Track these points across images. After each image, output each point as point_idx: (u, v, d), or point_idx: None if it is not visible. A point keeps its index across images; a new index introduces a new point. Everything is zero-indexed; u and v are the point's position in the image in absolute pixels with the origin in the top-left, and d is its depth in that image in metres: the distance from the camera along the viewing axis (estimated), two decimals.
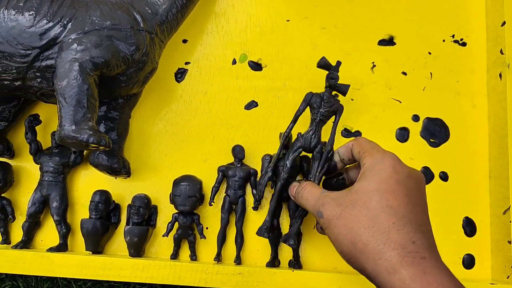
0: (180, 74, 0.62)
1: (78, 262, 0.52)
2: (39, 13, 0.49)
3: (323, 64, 0.53)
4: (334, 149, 0.51)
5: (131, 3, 0.54)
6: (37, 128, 0.58)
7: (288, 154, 0.52)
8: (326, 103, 0.52)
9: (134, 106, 0.59)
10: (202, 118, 0.60)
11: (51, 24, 0.49)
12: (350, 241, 0.40)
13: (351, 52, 0.62)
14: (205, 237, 0.55)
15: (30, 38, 0.49)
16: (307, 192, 0.47)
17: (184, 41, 0.62)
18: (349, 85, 0.53)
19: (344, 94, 0.54)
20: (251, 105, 0.61)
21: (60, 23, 0.50)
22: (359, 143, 0.47)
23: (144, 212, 0.55)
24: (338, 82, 0.53)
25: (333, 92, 0.53)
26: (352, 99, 0.61)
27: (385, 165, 0.42)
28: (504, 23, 0.58)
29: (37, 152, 0.57)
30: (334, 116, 0.53)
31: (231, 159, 0.59)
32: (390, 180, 0.41)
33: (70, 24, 0.50)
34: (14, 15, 0.49)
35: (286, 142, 0.54)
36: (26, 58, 0.49)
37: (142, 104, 0.60)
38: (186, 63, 0.62)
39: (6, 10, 0.49)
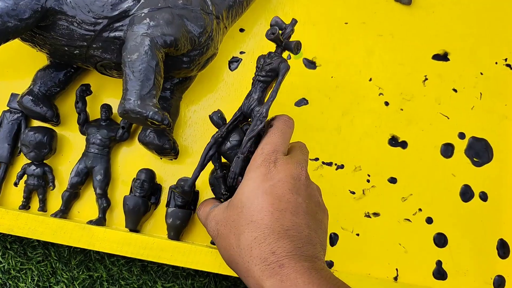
0: (234, 63, 0.61)
1: (119, 239, 0.51)
2: None
3: (273, 23, 0.47)
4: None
5: None
6: (87, 98, 0.57)
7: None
8: (267, 59, 0.47)
9: (187, 89, 0.59)
10: None
11: None
12: (228, 261, 0.42)
13: (405, 62, 0.62)
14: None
15: (103, 7, 0.48)
16: (200, 213, 0.47)
17: (241, 30, 0.62)
18: (298, 41, 0.47)
19: (293, 51, 0.47)
20: (301, 102, 0.61)
21: None
22: (265, 134, 0.45)
23: (188, 192, 0.54)
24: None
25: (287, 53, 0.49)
26: (402, 109, 0.61)
27: (257, 174, 0.41)
28: None
29: (85, 122, 0.57)
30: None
31: None
32: (257, 191, 0.40)
33: None
34: None
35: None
36: (95, 26, 0.49)
37: (193, 88, 0.60)
38: (241, 53, 0.62)
39: None
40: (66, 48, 0.50)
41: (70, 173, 0.55)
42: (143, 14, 0.48)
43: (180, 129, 0.59)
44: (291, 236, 0.38)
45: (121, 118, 0.55)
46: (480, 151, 0.60)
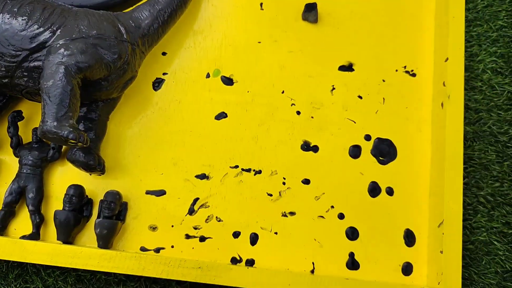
0: (157, 83, 0.67)
1: (49, 250, 0.56)
2: (31, 19, 0.54)
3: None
4: None
5: (117, 16, 0.60)
6: (19, 123, 0.62)
7: None
8: None
9: (113, 110, 0.64)
10: (175, 125, 0.66)
11: (41, 29, 0.54)
12: None
13: (314, 75, 0.69)
14: None
15: (21, 40, 0.54)
16: None
17: (164, 53, 0.68)
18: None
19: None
20: (221, 116, 0.67)
21: (50, 29, 0.55)
22: None
23: (115, 207, 0.59)
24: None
25: None
26: (312, 117, 0.67)
27: None
28: (447, 59, 0.66)
29: (17, 145, 0.61)
30: None
31: (200, 164, 0.64)
32: None
33: (59, 30, 0.55)
34: (8, 18, 0.54)
35: None
36: (16, 58, 0.54)
37: (120, 109, 0.65)
38: (164, 74, 0.68)
39: (1, 14, 0.54)
40: None
41: (5, 193, 0.60)
42: (58, 45, 0.54)
43: (109, 147, 0.64)
44: None
45: None
46: (385, 151, 0.67)
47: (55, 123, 0.51)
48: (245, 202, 0.64)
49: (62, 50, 0.53)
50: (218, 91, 0.67)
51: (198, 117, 0.66)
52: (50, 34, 0.55)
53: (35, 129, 0.61)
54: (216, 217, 0.63)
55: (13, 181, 0.60)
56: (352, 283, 0.59)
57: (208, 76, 0.68)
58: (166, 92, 0.67)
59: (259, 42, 0.69)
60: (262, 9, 0.71)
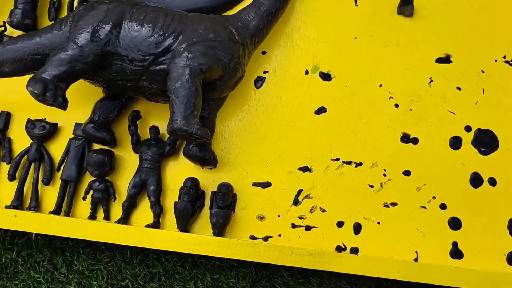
0: (259, 81, 0.71)
1: (173, 238, 0.61)
2: (156, 26, 0.59)
3: None
4: None
5: (227, 19, 0.64)
6: (137, 122, 0.68)
7: None
8: None
9: (220, 108, 0.68)
10: (276, 120, 0.69)
11: (166, 35, 0.59)
12: None
13: (411, 68, 0.70)
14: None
15: (149, 46, 0.59)
16: None
17: (263, 52, 0.71)
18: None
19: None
20: (321, 110, 0.69)
21: (173, 34, 0.59)
22: None
23: (228, 198, 0.64)
24: None
25: None
26: (411, 109, 0.68)
27: None
28: None
29: (137, 142, 0.67)
30: None
31: (302, 157, 0.67)
32: None
33: (181, 35, 0.59)
34: (137, 26, 0.59)
35: None
36: (143, 62, 0.59)
37: (226, 106, 0.69)
38: (265, 72, 0.71)
39: (130, 22, 0.59)
40: (120, 82, 0.61)
41: (128, 186, 0.66)
42: (182, 49, 0.58)
43: (217, 142, 0.69)
44: None
45: (167, 136, 0.66)
46: (486, 141, 0.67)
47: (184, 121, 0.55)
48: (347, 193, 0.66)
49: (186, 53, 0.58)
50: (317, 86, 0.70)
51: (298, 112, 0.69)
52: (174, 39, 0.59)
53: (153, 127, 0.67)
54: (320, 207, 0.66)
55: (135, 175, 0.66)
56: (458, 272, 0.60)
57: (306, 72, 0.70)
58: (267, 90, 0.70)
59: (355, 38, 0.71)
60: (356, 5, 0.72)
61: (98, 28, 0.58)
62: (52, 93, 0.54)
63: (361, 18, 0.72)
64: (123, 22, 0.60)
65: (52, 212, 0.66)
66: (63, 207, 0.67)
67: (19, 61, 0.61)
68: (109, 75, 0.61)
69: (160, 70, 0.60)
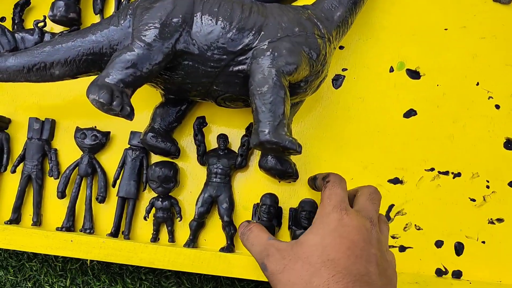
0: (337, 80, 0.62)
1: (250, 263, 0.53)
2: (234, 19, 0.50)
3: None
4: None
5: (310, 10, 0.55)
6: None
7: None
8: None
9: (296, 113, 0.60)
10: (360, 125, 0.61)
11: (245, 30, 0.50)
12: None
13: None
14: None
15: (226, 43, 0.50)
16: (253, 236, 0.47)
17: (341, 47, 0.63)
18: None
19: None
20: (410, 113, 0.61)
21: (253, 29, 0.50)
22: (325, 188, 0.47)
23: (312, 216, 0.55)
24: None
25: None
26: None
27: (330, 219, 0.43)
28: None
29: (204, 153, 0.58)
30: None
31: (392, 168, 0.59)
32: (334, 234, 0.42)
33: (263, 30, 0.50)
34: (211, 20, 0.50)
35: None
36: (219, 63, 0.50)
37: (302, 110, 0.61)
38: (343, 69, 0.62)
39: (203, 16, 0.50)
40: (190, 86, 0.53)
41: (196, 204, 0.57)
42: (265, 46, 0.50)
43: None
44: (366, 282, 0.40)
45: (238, 146, 0.58)
46: None
47: (273, 132, 0.47)
48: (445, 208, 0.58)
49: (271, 51, 0.49)
50: (404, 86, 0.61)
51: (384, 116, 0.61)
52: (255, 35, 0.50)
53: (222, 136, 0.58)
54: (415, 225, 0.58)
55: (203, 190, 0.58)
56: None
57: (391, 70, 0.62)
58: (348, 90, 0.62)
59: (446, 29, 0.62)
60: None
61: (167, 22, 0.49)
62: (120, 101, 0.45)
63: (452, 6, 0.63)
64: (195, 15, 0.50)
65: (110, 235, 0.57)
66: (121, 228, 0.59)
67: (72, 63, 0.52)
68: (177, 77, 0.52)
69: (239, 71, 0.51)
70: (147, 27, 0.49)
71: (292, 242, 0.44)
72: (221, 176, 0.57)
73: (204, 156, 0.59)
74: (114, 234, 0.58)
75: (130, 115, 0.47)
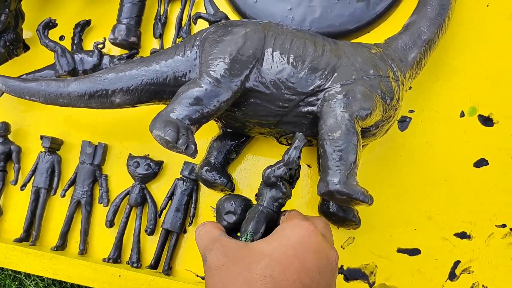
0: (403, 123, 0.59)
1: None
2: (306, 58, 0.48)
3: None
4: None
5: (383, 51, 0.52)
6: None
7: None
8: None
9: None
10: (426, 172, 0.57)
11: (317, 70, 0.48)
12: None
13: None
14: None
15: (297, 83, 0.47)
16: (204, 231, 0.42)
17: (409, 87, 0.59)
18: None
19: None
20: (481, 163, 0.57)
21: (326, 70, 0.48)
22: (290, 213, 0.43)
23: None
24: None
25: None
26: None
27: (294, 232, 0.38)
28: None
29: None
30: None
31: (459, 220, 0.55)
32: (288, 251, 0.37)
33: (336, 72, 0.48)
34: (283, 58, 0.48)
35: None
36: (289, 103, 0.48)
37: (363, 151, 0.57)
38: (410, 111, 0.59)
39: (274, 52, 0.48)
40: (254, 123, 0.50)
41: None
42: (338, 89, 0.47)
43: None
44: None
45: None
46: None
47: (344, 183, 0.44)
48: None
49: (344, 94, 0.46)
50: (475, 132, 0.57)
51: (453, 164, 0.57)
52: (327, 76, 0.48)
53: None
54: (483, 285, 0.54)
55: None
56: None
57: (462, 114, 0.58)
58: (414, 133, 0.58)
59: None
60: None
61: (237, 58, 0.47)
62: (185, 139, 0.43)
63: None
64: (266, 51, 0.48)
65: (149, 267, 0.55)
66: (161, 262, 0.56)
67: (134, 92, 0.50)
68: (242, 114, 0.50)
69: (308, 112, 0.48)
70: (216, 62, 0.47)
71: (243, 243, 0.39)
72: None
73: None
74: (154, 266, 0.55)
75: (194, 154, 0.44)
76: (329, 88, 0.47)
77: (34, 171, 0.60)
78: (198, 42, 0.50)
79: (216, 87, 0.46)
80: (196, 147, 0.44)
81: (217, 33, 0.50)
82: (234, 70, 0.46)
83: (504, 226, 0.55)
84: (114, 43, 0.61)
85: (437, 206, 0.56)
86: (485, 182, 0.56)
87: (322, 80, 0.47)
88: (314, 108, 0.48)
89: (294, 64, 0.47)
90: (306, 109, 0.48)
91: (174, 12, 0.64)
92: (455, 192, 0.56)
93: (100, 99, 0.51)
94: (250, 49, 0.47)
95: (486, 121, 0.58)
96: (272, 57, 0.48)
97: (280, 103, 0.48)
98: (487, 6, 0.61)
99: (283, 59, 0.48)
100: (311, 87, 0.47)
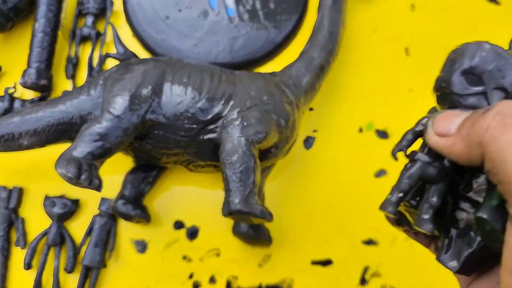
0: (308, 141, 0.63)
1: None
2: (203, 89, 0.51)
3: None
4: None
5: (276, 77, 0.56)
6: None
7: None
8: None
9: (268, 175, 0.60)
10: (332, 185, 0.61)
11: (215, 100, 0.51)
12: None
13: None
14: None
15: (196, 113, 0.51)
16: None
17: (310, 109, 0.64)
18: None
19: None
20: (381, 173, 0.62)
21: (223, 98, 0.51)
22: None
23: None
24: None
25: None
26: None
27: None
28: None
29: None
30: None
31: (365, 228, 0.59)
32: None
33: (232, 100, 0.51)
34: (181, 90, 0.51)
35: None
36: (190, 132, 0.51)
37: (274, 171, 0.61)
38: (314, 131, 0.63)
39: (172, 86, 0.51)
40: (160, 154, 0.53)
41: None
42: (235, 115, 0.50)
43: None
44: None
45: None
46: None
47: (244, 202, 0.46)
48: (419, 268, 0.58)
49: (240, 120, 0.50)
50: (373, 146, 0.63)
51: (356, 176, 0.62)
52: (224, 104, 0.51)
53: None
54: (391, 286, 0.58)
55: None
56: None
57: (361, 130, 0.63)
58: (319, 150, 0.63)
59: (411, 90, 0.65)
60: (407, 55, 0.66)
61: (137, 93, 0.50)
62: (87, 175, 0.44)
63: (415, 68, 0.66)
64: (164, 85, 0.51)
65: None
66: None
67: (41, 133, 0.52)
68: (148, 146, 0.52)
69: (209, 139, 0.51)
70: (116, 99, 0.49)
71: None
72: None
73: None
74: None
75: (98, 188, 0.46)
76: (227, 116, 0.51)
77: None
78: (101, 82, 0.53)
79: (117, 122, 0.48)
80: (100, 182, 0.46)
81: (119, 71, 0.52)
82: (133, 105, 0.49)
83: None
84: (25, 86, 0.62)
85: (344, 216, 0.60)
86: (385, 191, 0.61)
87: (219, 108, 0.51)
88: (215, 135, 0.51)
89: (192, 95, 0.51)
90: (207, 136, 0.51)
91: (86, 53, 0.66)
92: (360, 202, 0.60)
93: (8, 143, 0.52)
94: (149, 84, 0.50)
95: (382, 134, 0.63)
96: (171, 91, 0.51)
97: (182, 133, 0.51)
98: (375, 31, 0.67)
99: (182, 91, 0.51)
100: (210, 116, 0.51)
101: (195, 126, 0.51)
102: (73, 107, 0.52)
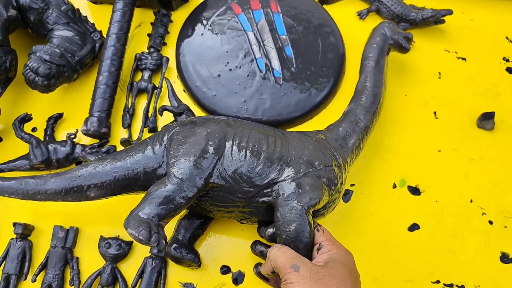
0: (346, 195, 0.68)
1: None
2: (261, 155, 0.55)
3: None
4: None
5: (327, 139, 0.61)
6: None
7: None
8: None
9: None
10: (368, 237, 0.65)
11: (271, 165, 0.55)
12: None
13: (500, 183, 0.69)
14: None
15: (254, 178, 0.55)
16: (285, 248, 0.51)
17: None
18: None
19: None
20: (414, 227, 0.66)
21: (278, 164, 0.55)
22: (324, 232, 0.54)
23: None
24: None
25: None
26: (506, 227, 0.66)
27: (349, 262, 0.51)
28: None
29: None
30: None
31: (400, 280, 0.63)
32: (352, 274, 0.50)
33: (286, 166, 0.55)
34: (240, 155, 0.55)
35: None
36: (247, 194, 0.55)
37: None
38: (352, 185, 0.68)
39: (233, 150, 0.55)
40: (217, 210, 0.57)
41: None
42: (289, 181, 0.54)
43: None
44: None
45: None
46: None
47: None
48: None
49: (295, 188, 0.54)
50: (406, 201, 0.67)
51: (390, 229, 0.66)
52: (280, 170, 0.55)
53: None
54: None
55: None
56: None
57: (394, 186, 0.68)
58: (356, 204, 0.67)
59: (439, 151, 0.70)
60: (436, 117, 0.73)
61: (201, 158, 0.54)
62: (157, 237, 0.48)
63: (443, 131, 0.72)
64: (225, 149, 0.55)
65: None
66: None
67: (107, 187, 0.56)
68: (206, 203, 0.56)
69: (263, 202, 0.55)
70: (181, 163, 0.53)
71: (321, 264, 0.49)
72: None
73: None
74: None
75: (165, 248, 0.50)
76: (282, 182, 0.55)
77: (4, 258, 0.62)
78: (165, 141, 0.57)
79: (182, 186, 0.52)
80: (166, 241, 0.50)
81: (182, 133, 0.56)
82: (197, 169, 0.53)
83: (438, 282, 0.63)
84: (87, 134, 0.67)
85: (380, 267, 0.64)
86: (418, 244, 0.65)
87: (275, 174, 0.55)
88: (270, 198, 0.55)
89: (251, 160, 0.55)
90: (262, 199, 0.55)
91: (141, 104, 0.72)
92: (394, 254, 0.64)
93: (76, 194, 0.56)
94: (212, 148, 0.55)
95: (414, 191, 0.68)
96: (231, 154, 0.55)
97: (240, 194, 0.55)
98: (405, 95, 0.74)
99: (241, 156, 0.55)
100: (266, 180, 0.55)
101: (252, 189, 0.55)
102: (138, 164, 0.56)
